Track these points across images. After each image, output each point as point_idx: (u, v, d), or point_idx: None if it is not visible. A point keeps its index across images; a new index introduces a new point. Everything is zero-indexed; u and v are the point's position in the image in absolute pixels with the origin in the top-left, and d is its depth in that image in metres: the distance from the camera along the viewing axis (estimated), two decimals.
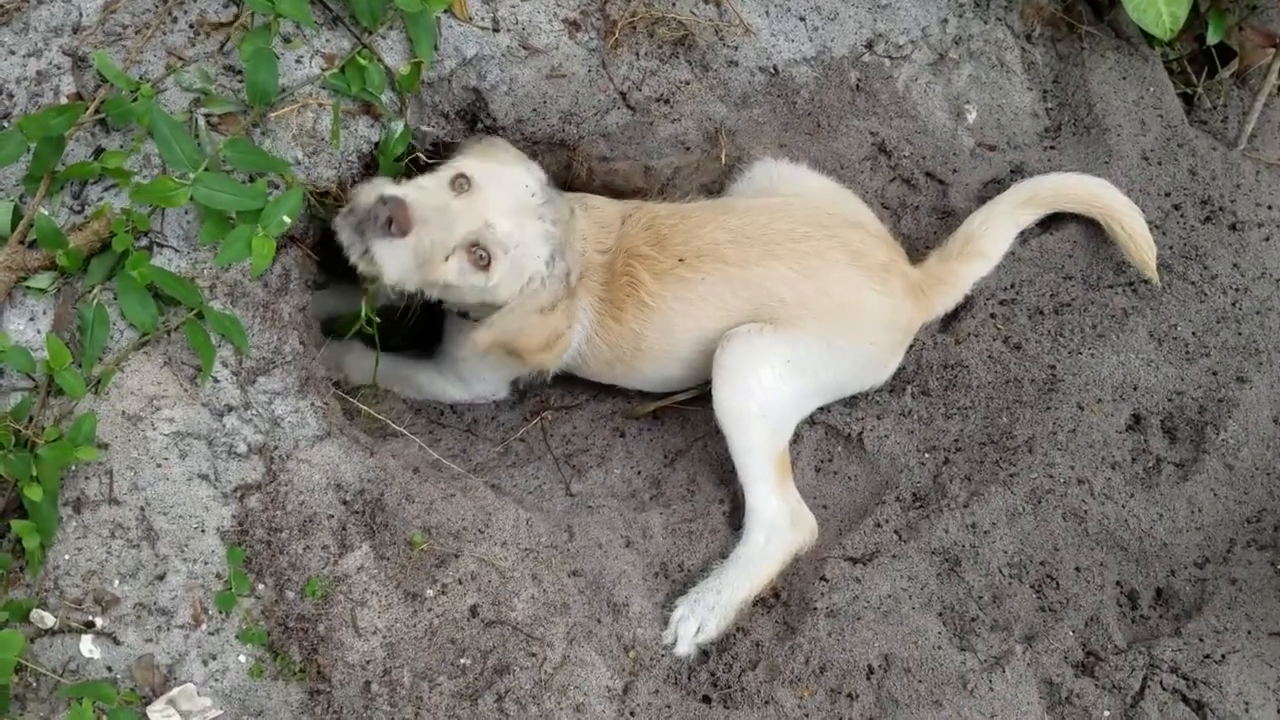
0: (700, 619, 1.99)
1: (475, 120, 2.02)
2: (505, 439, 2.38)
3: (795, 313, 2.02)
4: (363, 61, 1.79)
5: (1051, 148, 2.35)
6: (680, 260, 2.04)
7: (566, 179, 2.26)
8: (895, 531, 2.09)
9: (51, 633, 1.76)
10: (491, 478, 2.24)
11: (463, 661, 1.84)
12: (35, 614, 1.74)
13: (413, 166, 1.98)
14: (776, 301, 2.03)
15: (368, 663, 1.79)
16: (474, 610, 1.88)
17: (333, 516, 1.82)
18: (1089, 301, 2.19)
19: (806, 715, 1.93)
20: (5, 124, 1.77)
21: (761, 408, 2.02)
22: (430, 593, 1.86)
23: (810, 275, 2.02)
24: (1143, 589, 2.06)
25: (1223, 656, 1.97)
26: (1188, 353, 2.19)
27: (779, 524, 2.04)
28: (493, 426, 2.43)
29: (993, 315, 2.21)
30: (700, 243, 2.04)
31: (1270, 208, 2.31)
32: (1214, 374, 2.17)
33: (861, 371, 2.14)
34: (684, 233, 2.05)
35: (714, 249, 2.03)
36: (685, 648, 1.99)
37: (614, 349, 2.13)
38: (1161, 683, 1.95)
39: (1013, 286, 2.22)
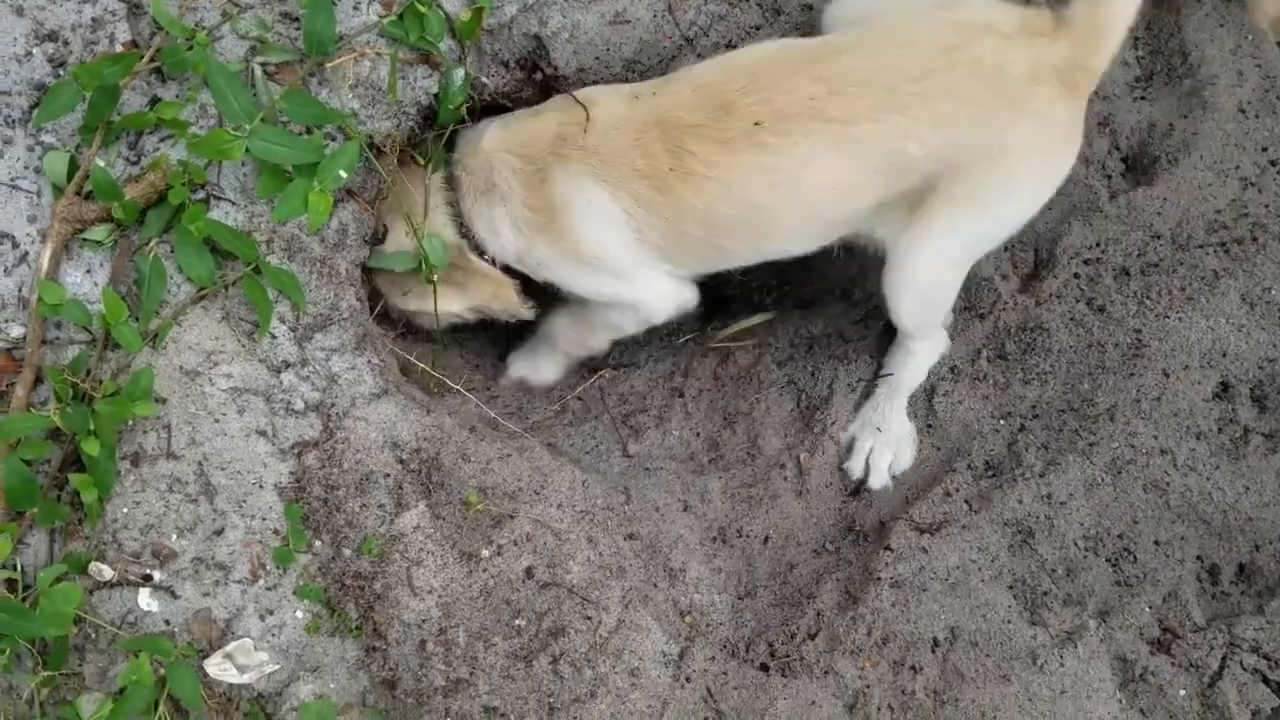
0: (894, 448, 2.05)
1: (536, 68, 1.95)
2: (563, 397, 2.34)
3: (938, 180, 1.74)
4: (422, 8, 1.73)
5: (1142, 98, 2.22)
6: (757, 124, 1.71)
7: None
8: (966, 501, 2.02)
9: (110, 585, 1.76)
10: (548, 436, 2.21)
11: (518, 623, 1.81)
12: (94, 567, 1.75)
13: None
14: (906, 164, 1.73)
15: (423, 621, 1.77)
16: (529, 572, 1.85)
17: (389, 475, 1.80)
18: (1178, 262, 2.07)
19: (868, 687, 1.88)
20: (61, 72, 1.74)
21: (940, 304, 1.96)
22: (486, 553, 1.83)
23: (943, 124, 1.70)
24: (1225, 565, 1.97)
25: None
26: None
27: (938, 348, 2.09)
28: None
29: (1076, 275, 2.10)
30: (786, 99, 1.70)
31: None
32: None
33: (1032, 211, 1.86)
34: (758, 92, 1.72)
35: (808, 105, 1.70)
36: (883, 480, 2.06)
37: (678, 234, 1.86)
38: (1241, 662, 1.87)
39: (1098, 245, 2.10)
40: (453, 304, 1.99)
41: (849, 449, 2.12)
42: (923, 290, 1.89)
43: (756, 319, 2.32)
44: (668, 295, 1.97)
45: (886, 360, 2.13)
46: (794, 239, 1.87)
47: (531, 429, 2.22)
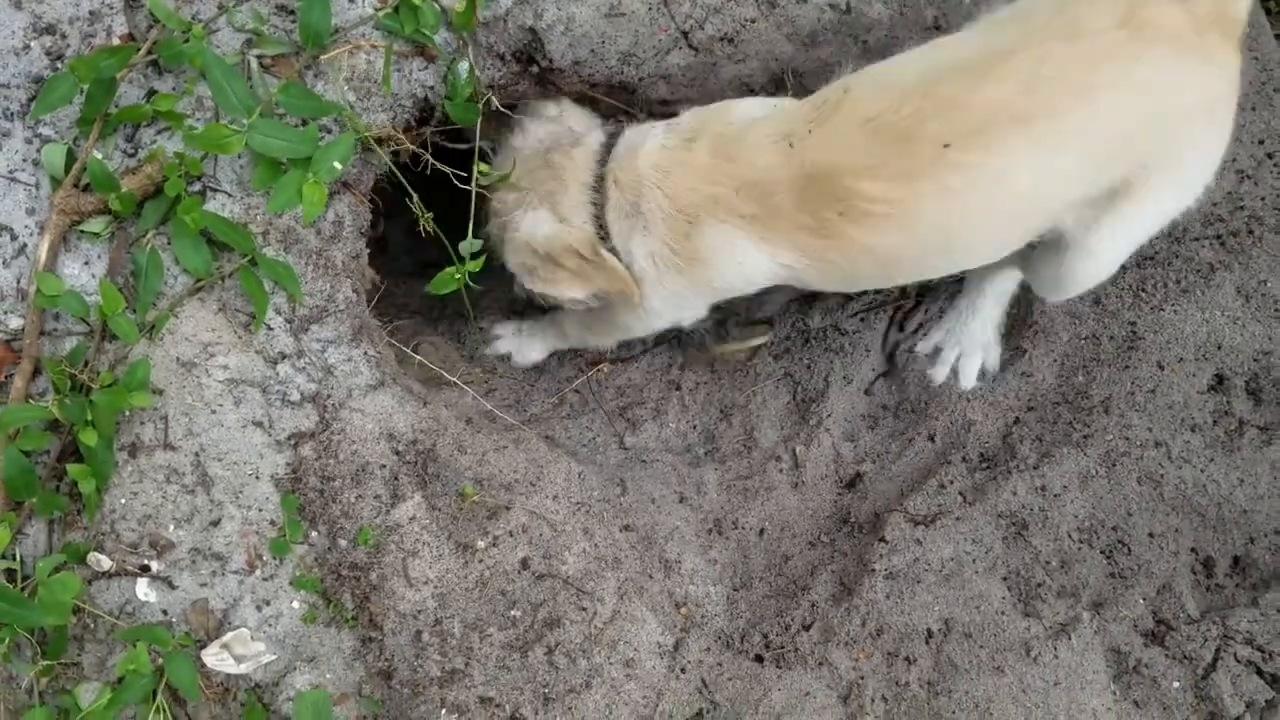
0: (984, 354, 2.10)
1: (531, 61, 1.95)
2: (560, 390, 2.35)
3: (1147, 156, 1.62)
4: (416, 0, 1.73)
5: None
6: (946, 146, 1.58)
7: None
8: (960, 493, 2.02)
9: (108, 575, 1.77)
10: (545, 429, 2.21)
11: (513, 613, 1.82)
12: (92, 557, 1.76)
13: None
14: (1119, 146, 1.61)
15: (419, 612, 1.78)
16: (525, 563, 1.86)
17: (385, 466, 1.81)
18: (1173, 255, 2.07)
19: (862, 678, 1.88)
20: (59, 65, 1.75)
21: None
22: (481, 544, 1.84)
23: (1146, 93, 1.57)
24: (1219, 557, 1.98)
25: None
26: (1277, 311, 2.07)
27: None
28: (547, 378, 2.40)
29: None
30: (975, 112, 1.56)
31: None
32: None
33: (1217, 166, 1.75)
34: (940, 113, 1.58)
35: (1003, 111, 1.56)
36: (972, 380, 2.11)
37: (843, 275, 1.80)
38: (1235, 655, 1.87)
39: None
40: (577, 291, 1.93)
41: (932, 358, 2.18)
42: (1104, 272, 1.80)
43: (756, 340, 2.32)
44: (703, 310, 1.99)
45: (971, 281, 2.13)
46: (983, 252, 1.78)
47: (529, 421, 2.23)
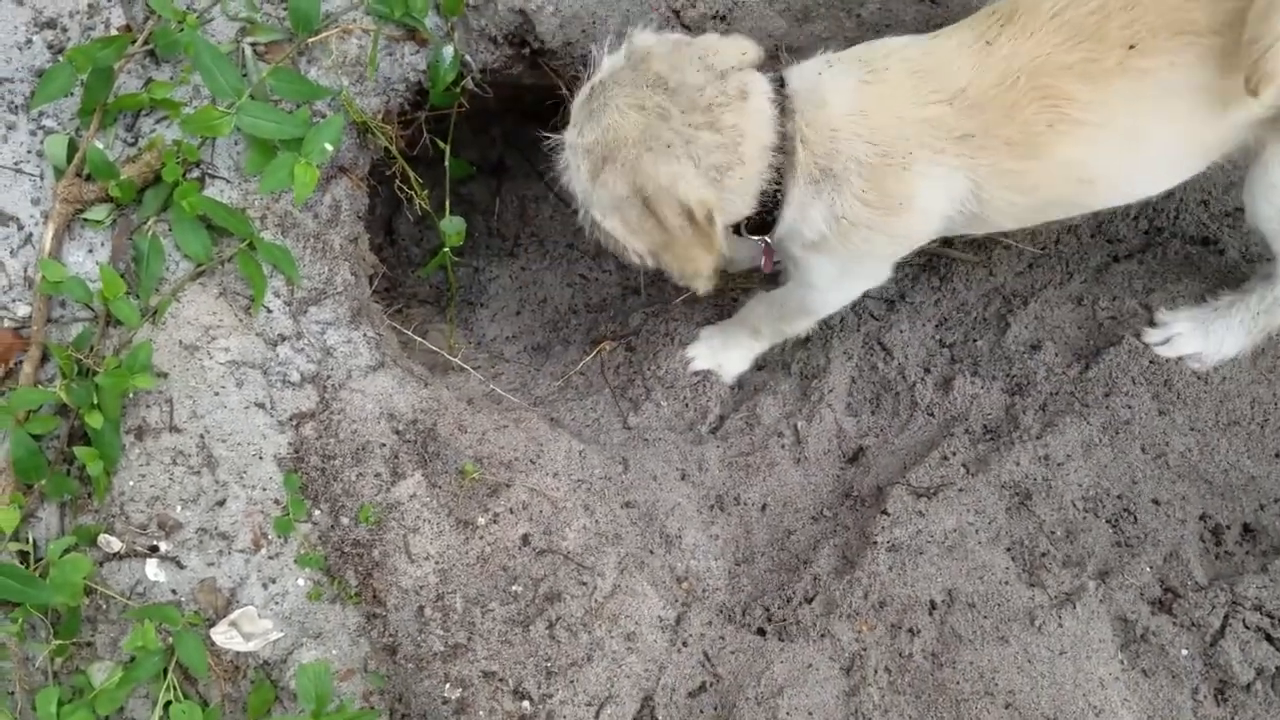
0: (1220, 339, 1.96)
1: (524, 43, 1.97)
2: (565, 373, 2.37)
3: None
4: None
5: None
6: (1131, 48, 1.53)
7: None
8: (963, 465, 2.01)
9: (119, 557, 1.81)
10: (550, 411, 2.23)
11: (514, 589, 1.84)
12: (103, 538, 1.80)
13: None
14: None
15: (421, 588, 1.80)
16: (525, 539, 1.87)
17: (385, 445, 1.83)
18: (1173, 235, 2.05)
19: (865, 650, 1.88)
20: (60, 59, 1.79)
21: None
22: (482, 521, 1.86)
23: None
24: (1228, 524, 1.95)
25: None
26: None
27: None
28: (553, 361, 2.42)
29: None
30: (1156, 16, 1.53)
31: None
32: None
33: None
34: (1126, 10, 1.54)
35: (1178, 18, 1.52)
36: (1174, 350, 1.98)
37: (1034, 204, 1.71)
38: (1244, 621, 1.85)
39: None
40: (646, 247, 1.74)
41: (1163, 341, 2.01)
42: None
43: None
44: (885, 274, 1.89)
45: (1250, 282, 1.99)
46: (1171, 169, 1.71)
47: (534, 404, 2.25)
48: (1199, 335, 1.98)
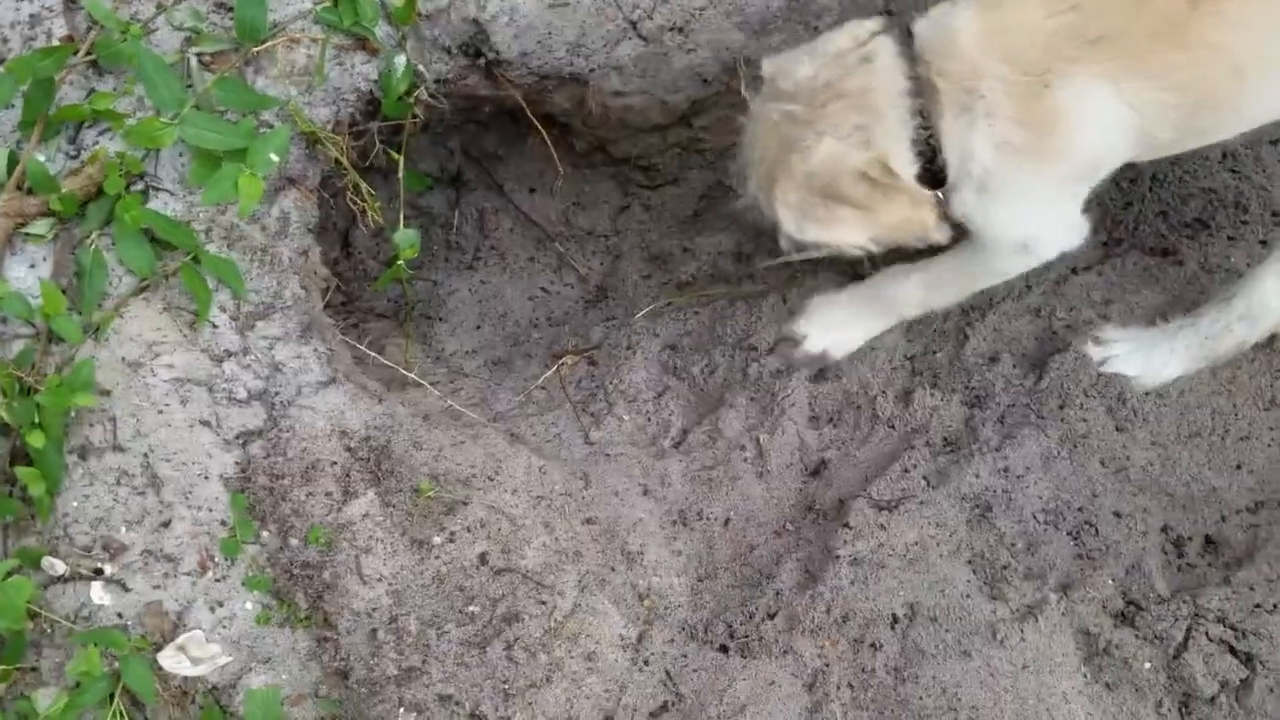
0: (1162, 362, 1.92)
1: (479, 53, 1.95)
2: (527, 388, 2.34)
3: None
4: None
5: None
6: None
7: (580, 116, 2.19)
8: (924, 477, 2.00)
9: (63, 580, 1.77)
10: (511, 426, 2.20)
11: (471, 609, 1.80)
12: (46, 561, 1.75)
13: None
14: None
15: (374, 610, 1.77)
16: (483, 558, 1.84)
17: (336, 463, 1.79)
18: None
19: (827, 665, 1.86)
20: (0, 69, 1.75)
21: None
22: (438, 540, 1.82)
23: None
24: (1190, 536, 1.94)
25: (1275, 606, 1.84)
26: None
27: (1267, 311, 1.85)
28: (514, 376, 2.39)
29: None
30: None
31: None
32: None
33: None
34: None
35: None
36: (1113, 369, 1.94)
37: (1194, 102, 1.60)
38: (1207, 633, 1.84)
39: None
40: (859, 234, 1.71)
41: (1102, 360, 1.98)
42: None
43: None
44: (1076, 226, 1.77)
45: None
46: None
47: (495, 419, 2.22)
48: (1139, 356, 1.96)
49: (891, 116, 1.62)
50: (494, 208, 2.57)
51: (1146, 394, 1.95)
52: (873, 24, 1.70)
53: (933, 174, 1.68)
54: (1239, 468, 1.95)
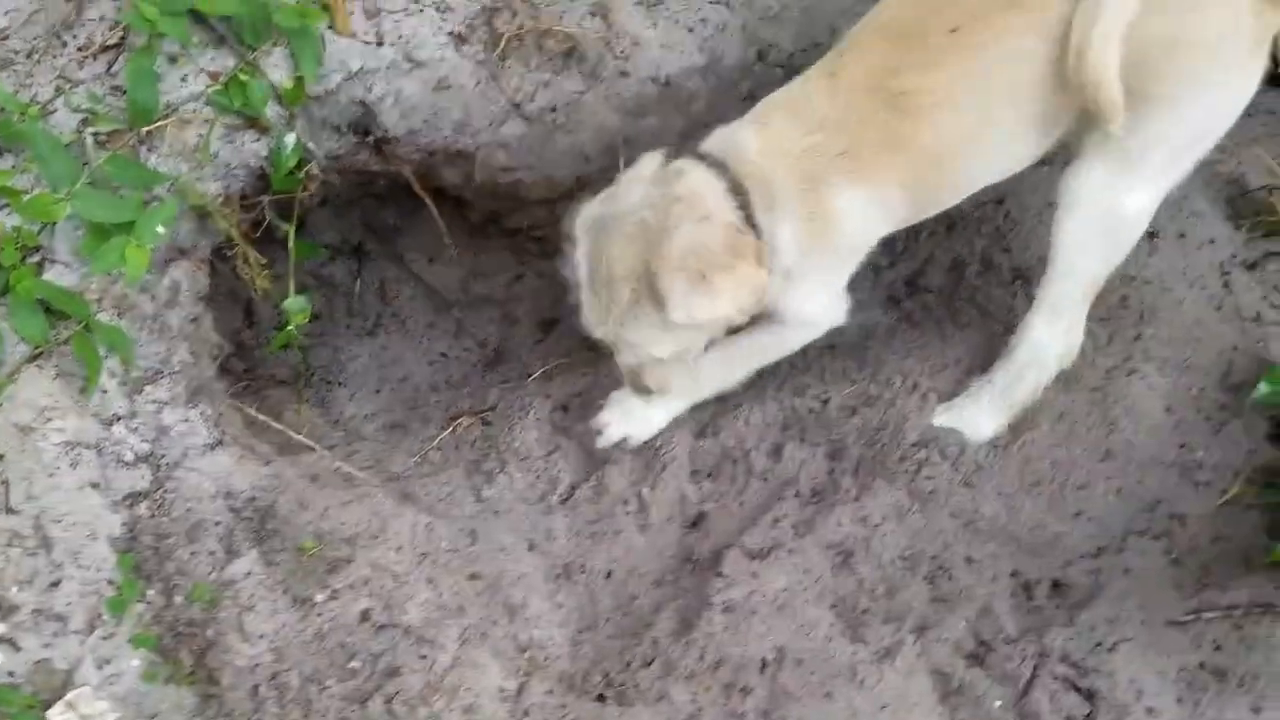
0: (975, 423, 2.14)
1: (367, 131, 2.07)
2: (422, 449, 2.42)
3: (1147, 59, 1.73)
4: (244, 77, 1.85)
5: None
6: (954, 31, 1.76)
7: (471, 190, 2.31)
8: (793, 526, 2.11)
9: None
10: (404, 487, 2.27)
11: (352, 664, 1.87)
12: None
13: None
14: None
15: (256, 666, 1.82)
16: (365, 614, 1.90)
17: (220, 523, 1.86)
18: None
19: (700, 710, 1.94)
20: None
21: (1117, 235, 1.95)
22: (320, 597, 1.89)
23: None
24: (1039, 580, 2.08)
25: (1114, 645, 1.97)
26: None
27: (1047, 355, 2.08)
28: (410, 438, 2.46)
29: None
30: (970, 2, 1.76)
31: None
32: (1105, 372, 2.20)
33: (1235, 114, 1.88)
34: (942, 8, 1.78)
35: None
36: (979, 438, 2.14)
37: (919, 192, 1.92)
38: (1051, 671, 1.96)
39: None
40: (731, 303, 1.86)
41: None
42: (1101, 219, 1.91)
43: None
44: (845, 302, 2.04)
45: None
46: (1014, 148, 1.90)
47: (389, 481, 2.29)
48: (954, 420, 2.16)
49: (725, 207, 1.83)
50: (395, 276, 2.68)
51: (984, 448, 2.11)
52: (661, 153, 1.94)
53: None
54: (1079, 515, 2.11)
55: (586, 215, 1.92)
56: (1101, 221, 1.92)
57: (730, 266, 1.80)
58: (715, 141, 1.93)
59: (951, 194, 1.98)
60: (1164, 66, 1.76)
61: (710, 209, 1.81)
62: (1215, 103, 1.84)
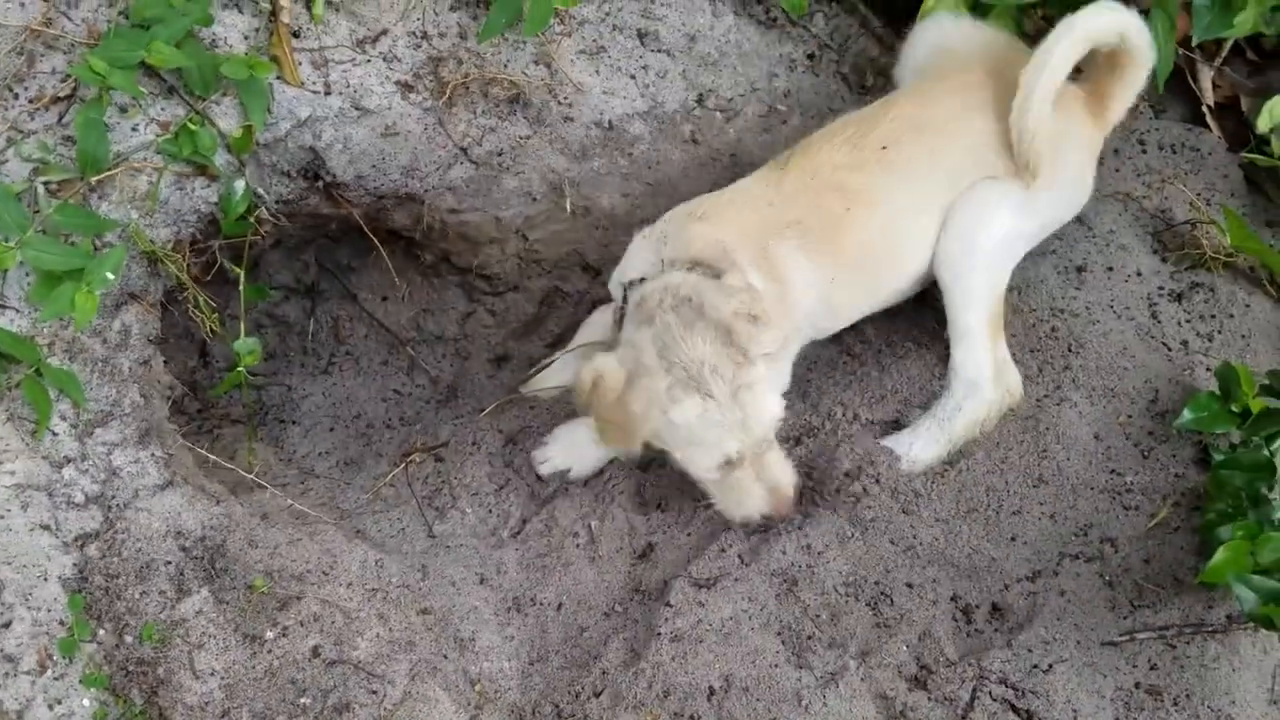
0: (915, 454, 2.22)
1: (317, 177, 2.12)
2: (375, 486, 2.45)
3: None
4: (193, 126, 1.89)
5: None
6: (884, 148, 2.08)
7: (421, 231, 2.37)
8: (739, 555, 2.16)
9: None
10: (356, 523, 2.30)
11: (303, 701, 1.89)
12: None
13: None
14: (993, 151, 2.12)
15: (206, 704, 1.84)
16: (315, 651, 1.93)
17: (170, 562, 1.88)
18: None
19: None
20: None
21: (988, 257, 2.14)
22: (270, 634, 1.91)
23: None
24: (978, 604, 2.14)
25: (1050, 666, 2.03)
26: None
27: (979, 382, 2.18)
28: (364, 475, 2.49)
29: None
30: (895, 125, 2.10)
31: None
32: (1037, 401, 2.27)
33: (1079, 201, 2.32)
34: (873, 129, 2.10)
35: (908, 121, 2.11)
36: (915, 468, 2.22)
37: (851, 282, 2.14)
38: (990, 693, 2.02)
39: None
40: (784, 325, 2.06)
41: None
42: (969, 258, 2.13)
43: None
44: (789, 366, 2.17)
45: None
46: (926, 255, 2.15)
47: (343, 518, 2.32)
48: (900, 448, 2.23)
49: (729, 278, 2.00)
50: (348, 315, 2.72)
51: (921, 477, 2.18)
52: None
53: None
54: (1014, 539, 2.17)
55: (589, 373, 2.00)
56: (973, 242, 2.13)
57: (759, 303, 1.96)
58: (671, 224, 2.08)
59: (887, 288, 2.21)
60: None
61: (716, 284, 1.95)
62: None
